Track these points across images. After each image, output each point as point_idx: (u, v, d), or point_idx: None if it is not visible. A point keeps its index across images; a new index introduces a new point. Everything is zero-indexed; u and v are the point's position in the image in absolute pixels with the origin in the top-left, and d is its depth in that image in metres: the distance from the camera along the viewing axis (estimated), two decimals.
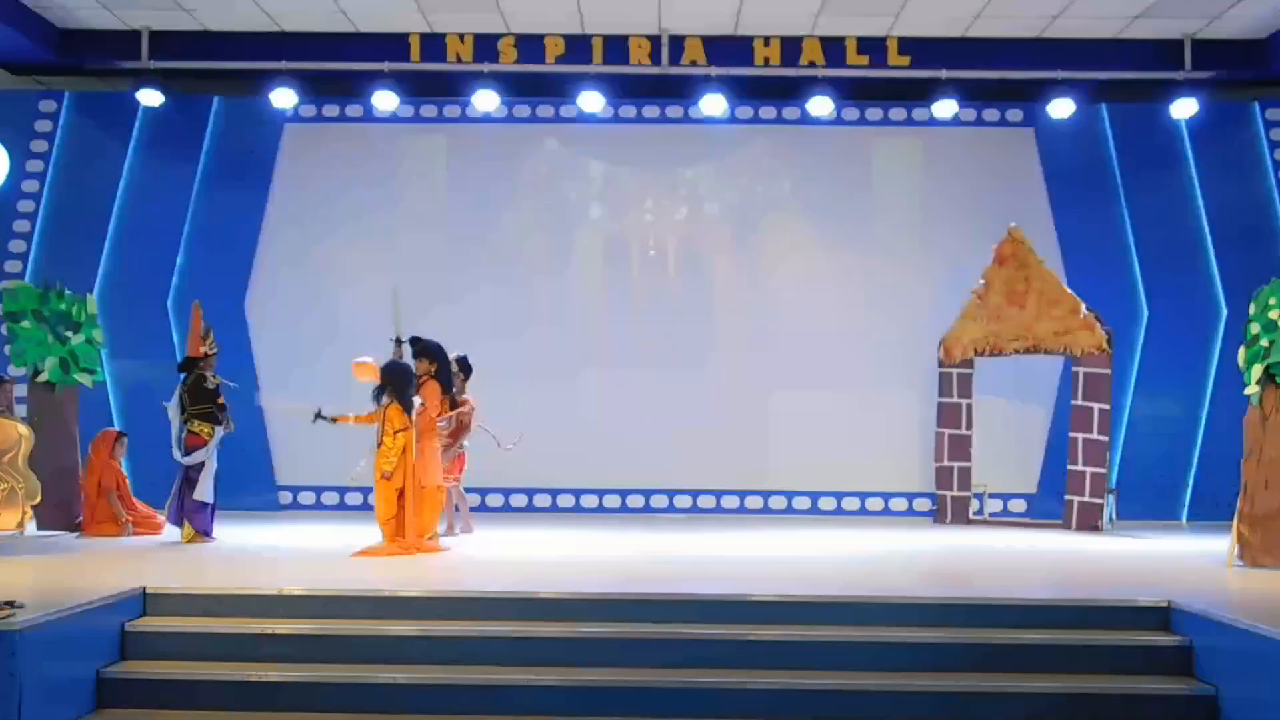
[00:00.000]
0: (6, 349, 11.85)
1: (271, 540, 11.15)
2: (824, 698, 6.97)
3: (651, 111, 14.61)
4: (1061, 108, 13.62)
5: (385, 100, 13.57)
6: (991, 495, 13.75)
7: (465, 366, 11.59)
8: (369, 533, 10.34)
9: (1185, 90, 13.41)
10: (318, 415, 10.25)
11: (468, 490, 12.09)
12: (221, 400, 10.92)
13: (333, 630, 7.43)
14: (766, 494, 14.23)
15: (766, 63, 13.58)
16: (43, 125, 14.33)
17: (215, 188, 14.39)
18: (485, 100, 13.56)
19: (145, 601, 7.59)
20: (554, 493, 14.25)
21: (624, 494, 14.24)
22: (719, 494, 14.25)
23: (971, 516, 13.43)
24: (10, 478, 9.48)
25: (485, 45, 13.52)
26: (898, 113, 14.57)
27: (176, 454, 10.80)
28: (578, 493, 14.25)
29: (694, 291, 14.53)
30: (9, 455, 9.50)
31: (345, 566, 9.22)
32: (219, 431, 10.86)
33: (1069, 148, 14.24)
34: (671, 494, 14.26)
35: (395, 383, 10.07)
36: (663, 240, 14.67)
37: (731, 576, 8.86)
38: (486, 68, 13.40)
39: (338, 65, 13.61)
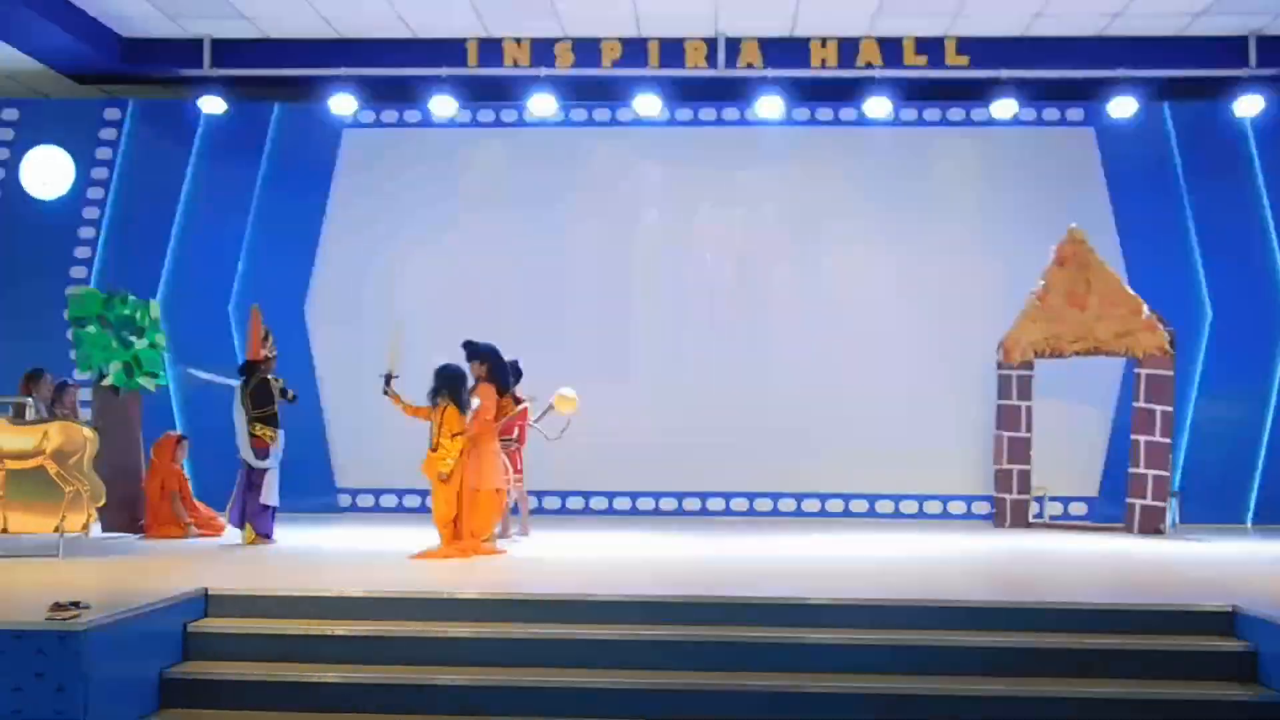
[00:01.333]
0: (72, 354, 12.02)
1: (330, 542, 11.24)
2: (881, 702, 6.93)
3: (708, 114, 14.60)
4: (1123, 107, 13.47)
5: (443, 105, 13.66)
6: (1052, 498, 13.61)
7: (515, 370, 11.63)
8: (427, 535, 10.40)
9: (1250, 87, 13.23)
10: (389, 378, 10.26)
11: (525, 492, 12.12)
12: (291, 395, 11.03)
13: (391, 632, 7.48)
14: (823, 497, 14.17)
15: (823, 64, 13.53)
16: (107, 133, 14.56)
17: (275, 194, 14.55)
18: (542, 104, 13.61)
19: (207, 603, 7.68)
20: (610, 495, 14.26)
21: (680, 497, 14.23)
22: (775, 497, 14.21)
23: (1031, 520, 13.30)
24: (75, 480, 9.61)
25: (542, 49, 13.57)
26: (956, 113, 14.46)
27: (248, 457, 10.91)
28: (634, 495, 14.25)
29: (751, 294, 14.48)
30: (74, 458, 9.63)
31: (403, 569, 9.28)
32: (282, 435, 10.97)
33: (1131, 147, 14.07)
34: (728, 497, 14.23)
35: (450, 385, 10.12)
36: (719, 243, 14.63)
37: (787, 579, 8.82)
38: (543, 72, 13.45)
39: (396, 71, 13.71)
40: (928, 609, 7.64)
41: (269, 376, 11.03)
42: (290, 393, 11.13)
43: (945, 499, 14.10)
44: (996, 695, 6.93)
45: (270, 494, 10.87)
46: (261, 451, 10.89)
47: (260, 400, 10.95)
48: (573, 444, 12.14)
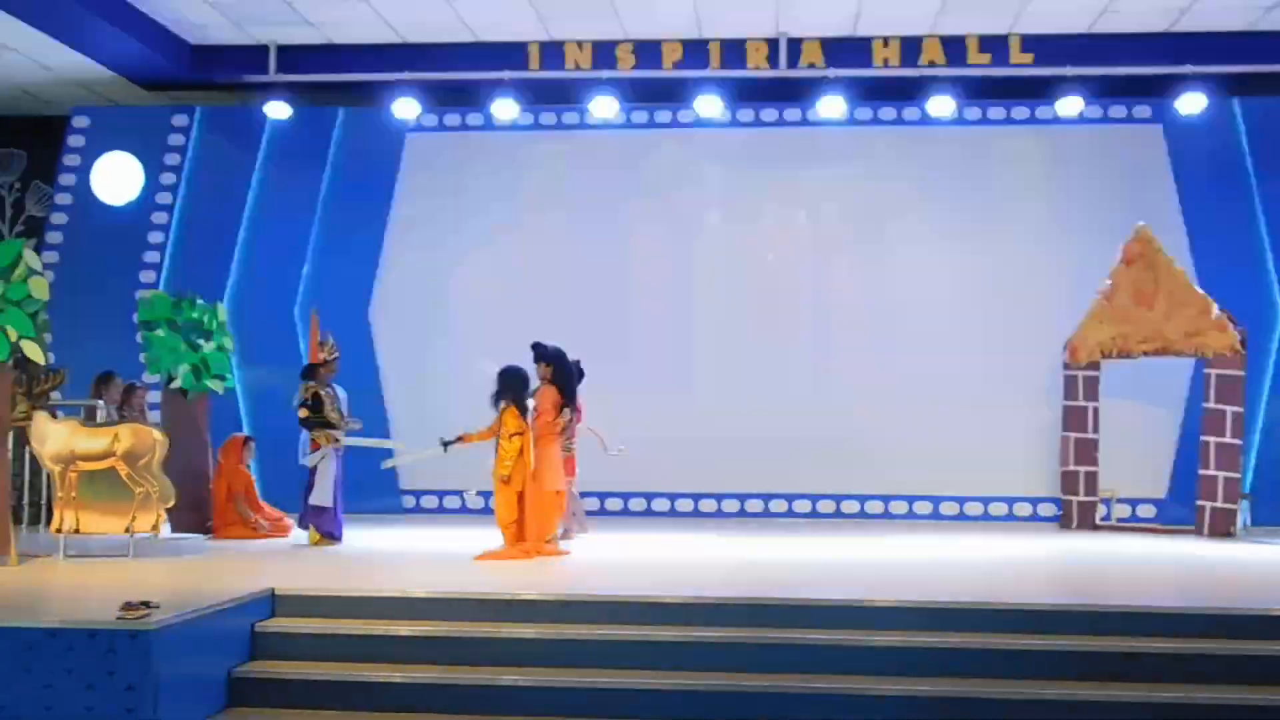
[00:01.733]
0: (142, 357, 12.19)
1: (395, 544, 11.32)
2: (945, 704, 6.88)
3: (769, 115, 14.56)
4: (1192, 103, 13.28)
5: (505, 109, 13.73)
6: (1119, 500, 13.42)
7: (578, 371, 11.65)
8: (490, 536, 10.45)
9: None
10: (445, 444, 10.37)
11: (584, 494, 12.14)
12: (327, 410, 11.04)
13: (454, 632, 7.52)
14: (887, 498, 14.08)
15: (886, 63, 13.45)
16: (175, 140, 14.77)
17: (340, 198, 14.68)
18: (603, 107, 13.64)
19: (274, 603, 7.77)
20: (672, 497, 14.25)
21: (742, 498, 14.20)
22: (838, 498, 14.13)
23: (1098, 522, 13.14)
24: (145, 482, 9.74)
25: (604, 52, 13.60)
26: (1020, 111, 14.33)
27: (301, 458, 11.03)
28: (696, 497, 14.23)
29: (813, 295, 14.42)
30: (144, 460, 9.76)
31: (467, 570, 9.32)
32: (331, 437, 11.01)
33: (1199, 144, 13.87)
34: (790, 498, 14.17)
35: (511, 386, 10.16)
36: (781, 244, 14.58)
37: (850, 581, 8.78)
38: (605, 74, 13.47)
39: (458, 75, 13.79)
40: (992, 612, 7.57)
41: (319, 388, 11.06)
42: (303, 407, 11.07)
43: (1010, 500, 13.95)
44: (1062, 700, 6.86)
45: (321, 494, 10.92)
46: (314, 453, 10.99)
47: (315, 404, 11.02)
48: (634, 446, 12.15)
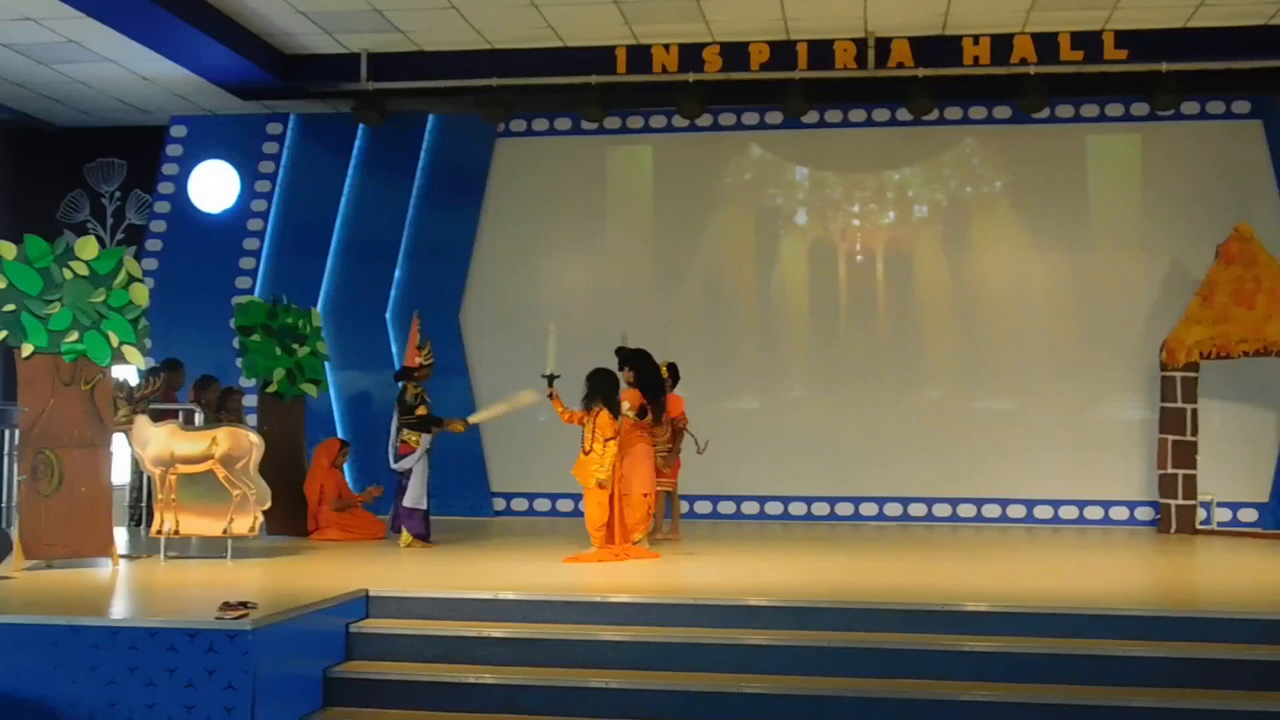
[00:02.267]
0: (239, 361, 12.41)
1: (485, 546, 11.42)
2: (1038, 711, 6.78)
3: (858, 115, 14.47)
4: None
5: (593, 113, 13.76)
6: (1220, 504, 13.16)
7: (673, 373, 11.67)
8: (579, 538, 10.49)
9: None
10: (551, 379, 10.33)
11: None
12: (422, 411, 11.13)
13: (544, 634, 7.56)
14: (979, 502, 13.91)
15: (976, 61, 13.28)
16: (270, 147, 15.02)
17: (431, 203, 14.84)
18: (690, 109, 13.62)
19: (368, 604, 7.86)
20: (762, 500, 14.21)
21: (832, 502, 14.11)
22: (929, 501, 13.99)
23: (1198, 526, 12.88)
24: (243, 484, 9.90)
25: (690, 55, 13.57)
26: (1114, 108, 14.10)
27: (391, 460, 11.14)
28: (786, 500, 14.18)
29: (902, 295, 14.32)
30: (241, 463, 9.93)
31: (557, 572, 9.37)
32: (426, 440, 11.11)
33: None
34: (880, 502, 14.06)
35: (604, 390, 10.19)
36: (870, 244, 14.50)
37: (942, 586, 8.69)
38: (692, 77, 13.46)
39: (547, 80, 13.85)
40: (1087, 617, 7.45)
41: (411, 384, 11.16)
42: (420, 407, 11.12)
43: (1107, 504, 13.73)
44: (1158, 707, 6.73)
45: (414, 497, 11.01)
46: (405, 455, 11.08)
47: (405, 408, 11.12)
48: (723, 449, 12.14)
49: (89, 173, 15.89)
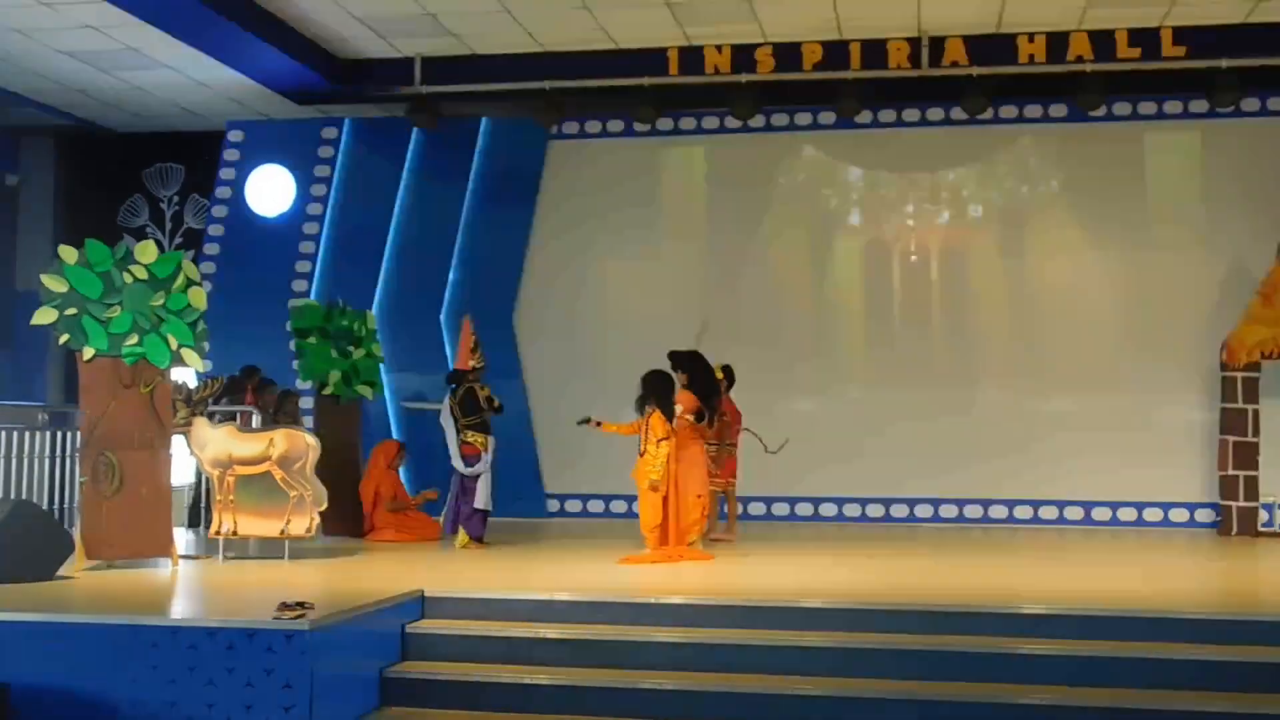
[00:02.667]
0: (295, 364, 12.50)
1: (540, 547, 11.45)
2: (1097, 715, 6.71)
3: (912, 115, 14.38)
4: None
5: (645, 114, 13.77)
6: None
7: (728, 375, 11.65)
8: (634, 540, 10.49)
9: None
10: (585, 420, 10.43)
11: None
12: (497, 404, 11.20)
13: (599, 635, 7.56)
14: (1036, 503, 13.78)
15: (1031, 60, 13.16)
16: (325, 152, 15.14)
17: (484, 206, 14.90)
18: (743, 110, 13.59)
19: (424, 605, 7.90)
20: (816, 501, 14.16)
21: (887, 503, 14.03)
22: (985, 503, 13.88)
23: (1260, 529, 12.69)
24: (299, 485, 9.98)
25: (743, 55, 13.54)
26: (1173, 106, 13.93)
27: (458, 465, 11.15)
28: (840, 501, 14.11)
29: (958, 296, 14.22)
30: (298, 464, 10.00)
31: (611, 573, 9.37)
32: (492, 441, 11.17)
33: None
34: (936, 503, 13.96)
35: (657, 391, 10.18)
36: (925, 245, 14.42)
37: (998, 588, 8.62)
38: (744, 78, 13.44)
39: (599, 82, 13.87)
40: (1148, 620, 7.38)
41: (475, 385, 11.22)
42: (496, 401, 11.25)
43: (1166, 506, 13.56)
44: (1220, 712, 6.63)
45: (483, 498, 11.08)
46: (472, 458, 11.09)
47: (468, 408, 11.15)
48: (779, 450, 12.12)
49: (148, 178, 16.09)
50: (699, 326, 10.84)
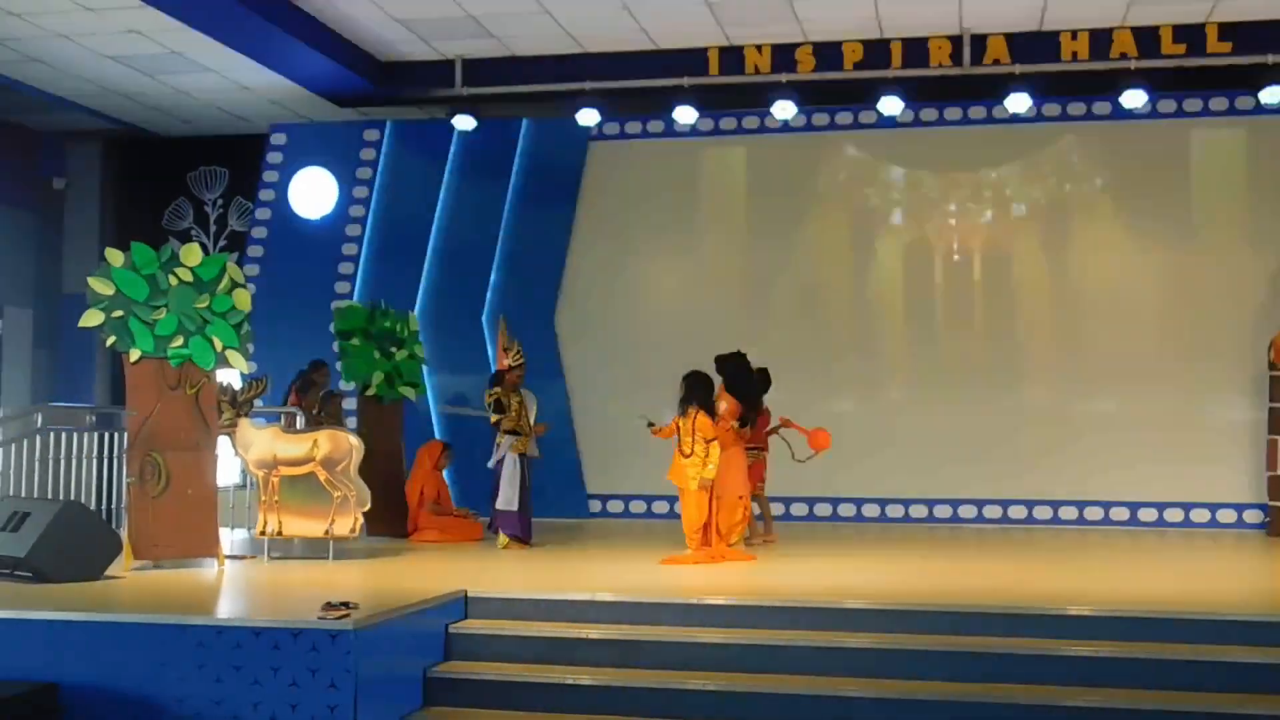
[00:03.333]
0: (338, 365, 12.58)
1: (582, 547, 11.46)
2: (1142, 718, 6.65)
3: (953, 113, 14.30)
4: None
5: (685, 114, 13.75)
6: None
7: (764, 378, 11.62)
8: (675, 540, 10.49)
9: None
10: (650, 423, 10.36)
11: (770, 499, 12.09)
12: (494, 417, 11.15)
13: (642, 636, 7.57)
14: (1081, 504, 13.67)
15: (1074, 57, 13.07)
16: (367, 154, 15.22)
17: (525, 207, 14.93)
18: (784, 110, 13.56)
19: (467, 605, 7.93)
20: (858, 502, 14.10)
21: (930, 504, 13.96)
22: (1030, 504, 13.78)
23: None
24: (343, 486, 10.04)
25: (783, 55, 13.51)
26: (1219, 102, 13.78)
27: (490, 462, 11.22)
28: (882, 502, 14.05)
29: (1001, 295, 14.12)
30: (341, 465, 10.06)
31: (653, 574, 9.37)
32: (508, 440, 11.12)
33: None
34: (980, 504, 13.87)
35: (700, 392, 10.17)
36: (967, 244, 14.33)
37: (1044, 589, 8.56)
38: (785, 77, 13.40)
39: (639, 83, 13.87)
40: (1192, 622, 7.30)
41: (502, 387, 11.20)
42: (489, 404, 11.18)
43: (1213, 507, 13.41)
44: (1269, 715, 6.56)
45: (505, 499, 11.03)
46: (495, 457, 11.16)
47: (501, 409, 11.17)
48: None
49: (192, 181, 16.23)
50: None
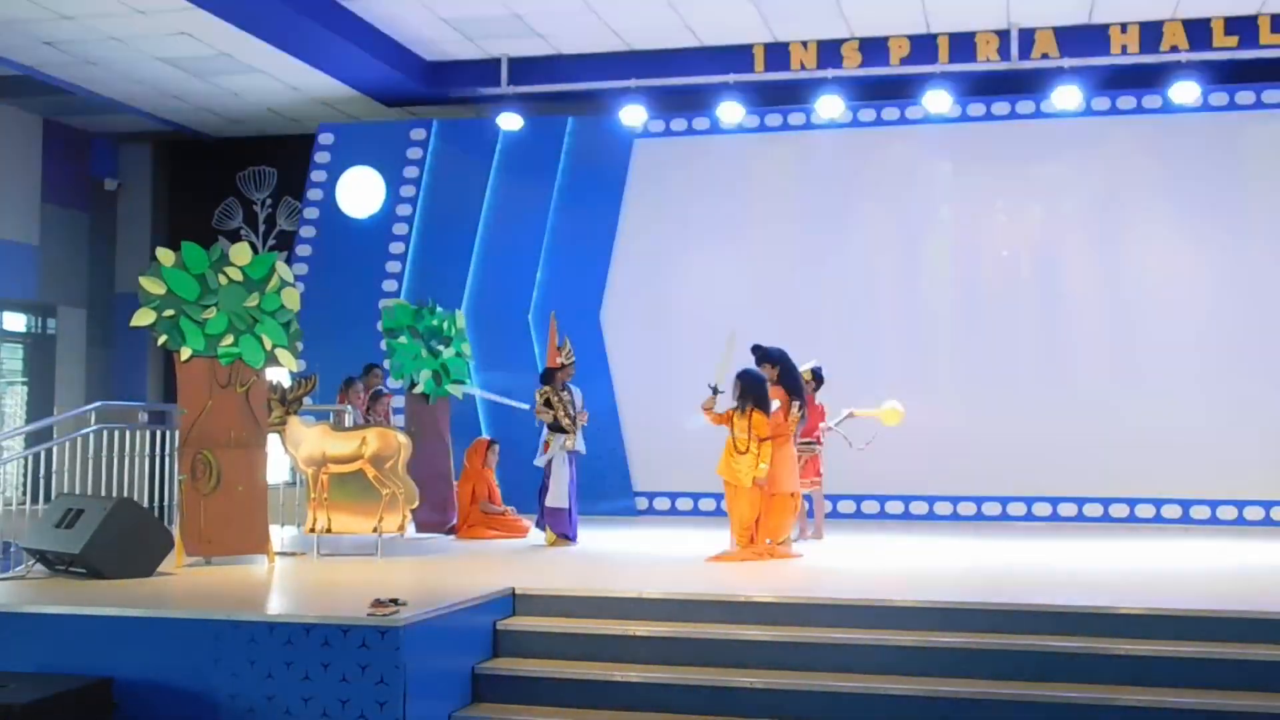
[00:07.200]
0: (386, 363, 12.65)
1: (629, 545, 11.47)
2: (1194, 717, 6.59)
3: (1001, 108, 14.19)
4: None
5: (731, 112, 13.75)
6: None
7: (818, 376, 11.59)
8: (722, 538, 10.48)
9: None
10: (715, 390, 10.30)
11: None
12: (543, 415, 11.20)
13: (688, 633, 7.57)
14: (1132, 501, 13.54)
15: (1124, 50, 12.97)
16: (413, 153, 15.30)
17: (570, 205, 14.97)
18: (829, 106, 13.53)
19: (514, 602, 7.95)
20: (906, 499, 14.04)
21: (979, 501, 13.88)
22: (1080, 501, 13.66)
23: None
24: (392, 483, 10.10)
25: (829, 51, 13.49)
26: (1272, 95, 13.59)
27: (538, 460, 11.25)
28: (931, 499, 13.98)
29: (1049, 292, 14.00)
30: (390, 463, 10.12)
31: (700, 571, 9.38)
32: (559, 439, 11.16)
33: None
34: (1029, 501, 13.77)
35: (756, 391, 10.15)
36: (1015, 240, 14.23)
37: (1093, 587, 8.48)
38: (830, 73, 13.38)
39: (684, 80, 13.89)
40: (1245, 621, 7.22)
41: (553, 385, 11.22)
42: (538, 403, 11.20)
43: (1268, 505, 13.16)
44: None
45: (555, 496, 11.08)
46: (544, 455, 11.18)
47: (550, 406, 11.19)
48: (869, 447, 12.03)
49: (241, 181, 16.39)
50: (729, 336, 10.64)
